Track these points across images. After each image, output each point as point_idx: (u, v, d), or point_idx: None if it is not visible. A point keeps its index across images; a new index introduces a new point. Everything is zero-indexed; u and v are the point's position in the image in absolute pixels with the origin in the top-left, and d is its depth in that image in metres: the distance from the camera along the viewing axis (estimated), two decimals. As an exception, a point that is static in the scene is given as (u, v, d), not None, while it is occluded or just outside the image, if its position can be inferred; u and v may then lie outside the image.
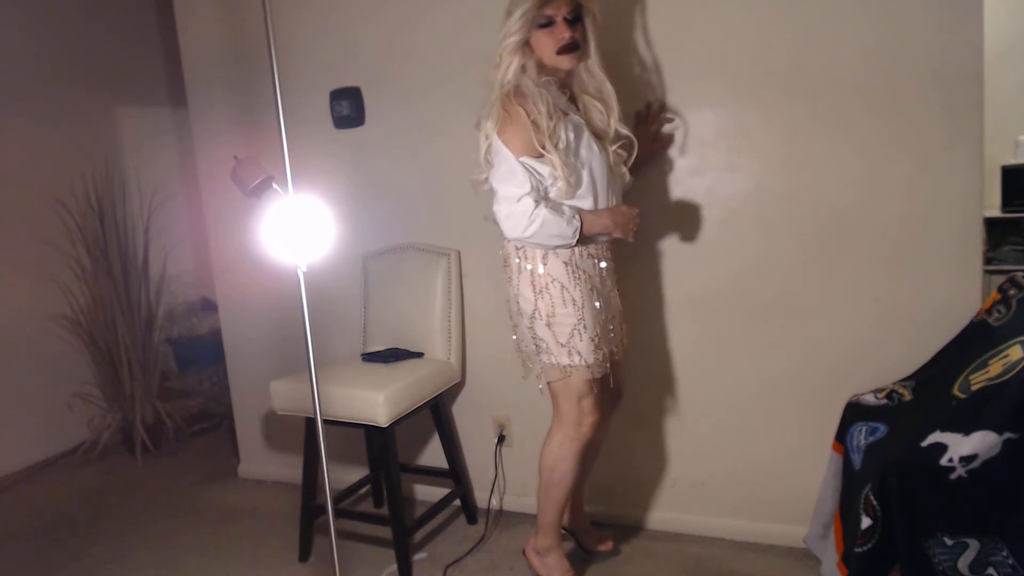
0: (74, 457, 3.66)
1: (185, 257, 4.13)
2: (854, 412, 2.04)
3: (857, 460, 1.87)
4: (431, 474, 2.82)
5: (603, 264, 2.07)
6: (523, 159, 1.91)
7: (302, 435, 2.52)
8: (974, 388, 1.77)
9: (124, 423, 3.68)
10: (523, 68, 1.94)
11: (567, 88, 2.04)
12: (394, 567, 2.39)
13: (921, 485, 1.67)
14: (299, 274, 1.82)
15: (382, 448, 2.46)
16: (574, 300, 1.99)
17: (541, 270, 1.99)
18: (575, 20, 1.92)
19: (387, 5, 2.66)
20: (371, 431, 2.50)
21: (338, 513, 2.55)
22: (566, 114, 1.96)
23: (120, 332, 3.61)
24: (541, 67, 1.96)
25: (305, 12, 2.78)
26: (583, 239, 1.97)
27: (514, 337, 2.15)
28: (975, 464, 1.64)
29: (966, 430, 1.66)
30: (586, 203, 1.98)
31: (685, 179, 2.36)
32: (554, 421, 2.11)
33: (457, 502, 2.74)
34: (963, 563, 1.65)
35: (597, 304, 2.03)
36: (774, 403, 2.36)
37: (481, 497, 2.76)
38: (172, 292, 3.99)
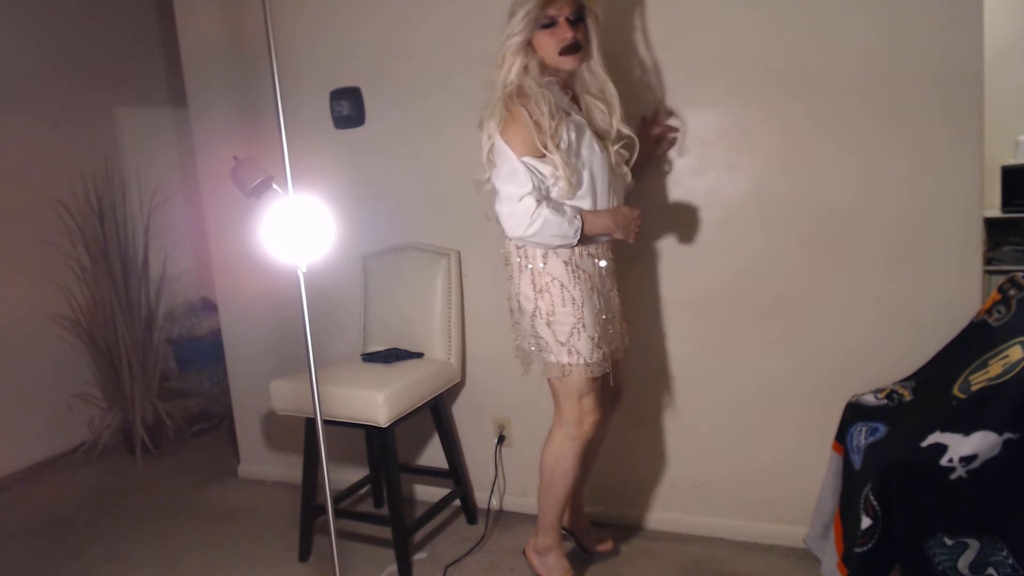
0: (74, 457, 3.66)
1: (185, 257, 4.13)
2: (854, 412, 2.04)
3: (857, 460, 1.87)
4: (431, 474, 2.82)
5: (603, 264, 2.07)
6: (525, 159, 1.92)
7: (302, 435, 2.52)
8: (974, 388, 1.77)
9: (124, 423, 3.68)
10: (526, 68, 1.94)
11: (569, 88, 2.04)
12: (394, 567, 2.39)
13: (921, 485, 1.67)
14: (299, 274, 1.82)
15: (382, 448, 2.46)
16: (574, 299, 1.99)
17: (541, 269, 2.00)
18: (577, 21, 1.92)
19: (387, 5, 2.66)
20: (371, 431, 2.50)
21: (338, 513, 2.55)
22: (568, 114, 1.97)
23: (120, 332, 3.62)
24: (543, 67, 1.97)
25: (305, 12, 2.78)
26: (584, 239, 1.98)
27: (514, 334, 2.16)
28: (975, 464, 1.64)
29: (966, 430, 1.66)
30: (585, 203, 1.98)
31: (685, 179, 2.36)
32: (555, 420, 2.11)
33: (457, 502, 2.74)
34: (963, 563, 1.65)
35: (597, 304, 2.03)
36: (774, 403, 2.36)
37: (481, 497, 2.76)
38: (172, 292, 3.99)
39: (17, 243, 3.53)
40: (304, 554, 2.56)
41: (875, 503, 1.70)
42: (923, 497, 1.67)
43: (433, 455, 2.86)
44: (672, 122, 2.33)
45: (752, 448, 2.40)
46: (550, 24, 1.91)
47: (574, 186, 1.94)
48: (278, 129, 1.78)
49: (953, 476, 1.65)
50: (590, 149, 1.97)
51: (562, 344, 2.01)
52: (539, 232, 1.93)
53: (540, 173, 1.94)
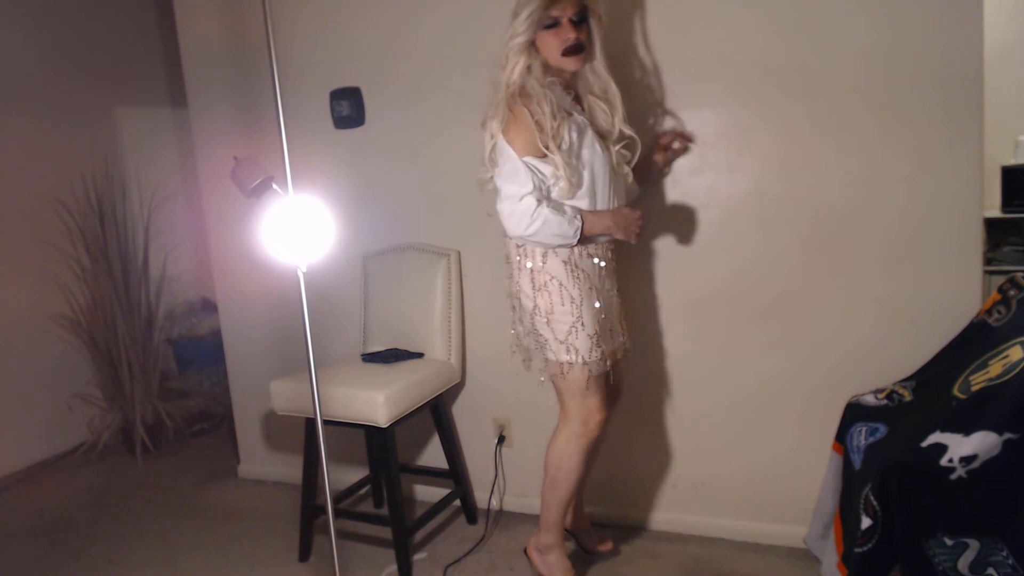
0: (74, 457, 3.66)
1: (185, 257, 4.13)
2: (854, 412, 2.04)
3: (857, 460, 1.87)
4: (431, 474, 2.82)
5: (603, 264, 2.08)
6: (526, 159, 1.93)
7: (302, 435, 2.52)
8: (974, 388, 1.77)
9: (124, 423, 3.68)
10: (529, 69, 1.96)
11: (572, 88, 2.05)
12: (394, 567, 2.39)
13: (921, 485, 1.67)
14: (299, 274, 1.82)
15: (382, 448, 2.46)
16: (572, 298, 2.00)
17: (540, 267, 2.01)
18: (580, 21, 1.93)
19: (387, 5, 2.66)
20: (371, 431, 2.50)
21: (338, 513, 2.55)
22: (570, 114, 1.98)
23: (120, 332, 3.61)
24: (546, 68, 1.98)
25: (305, 12, 2.78)
26: (584, 239, 1.99)
27: (513, 332, 2.17)
28: (975, 464, 1.64)
29: (966, 430, 1.66)
30: (583, 203, 1.99)
31: (685, 179, 2.36)
32: (561, 418, 2.12)
33: (457, 502, 2.74)
34: (963, 563, 1.65)
35: (596, 303, 2.03)
36: (774, 403, 2.36)
37: (481, 497, 2.76)
38: (172, 292, 3.99)
39: (17, 243, 3.53)
40: (304, 554, 2.56)
41: (875, 503, 1.70)
42: (923, 497, 1.67)
43: (433, 455, 2.86)
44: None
45: (752, 448, 2.40)
46: (553, 25, 1.92)
47: (574, 186, 1.95)
48: (278, 129, 1.78)
49: (953, 476, 1.65)
50: (591, 150, 1.98)
51: (561, 342, 2.02)
52: (539, 231, 1.93)
53: (541, 173, 1.95)
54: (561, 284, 2.00)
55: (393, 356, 2.62)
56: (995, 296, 1.95)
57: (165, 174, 4.11)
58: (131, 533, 2.85)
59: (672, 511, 2.55)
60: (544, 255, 2.01)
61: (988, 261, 3.58)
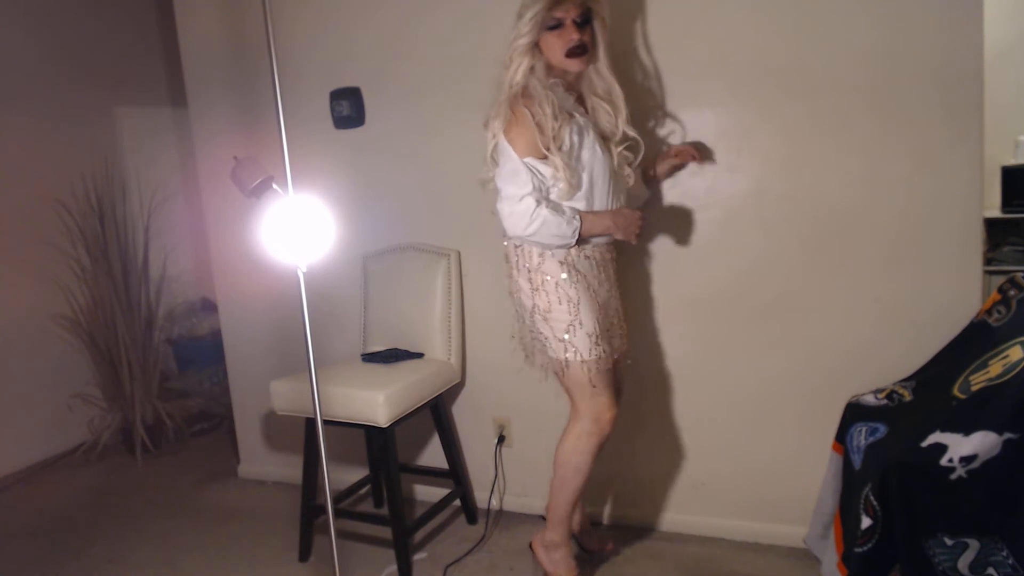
0: (74, 457, 3.66)
1: (185, 257, 4.13)
2: (854, 412, 2.04)
3: (857, 460, 1.87)
4: (431, 474, 2.82)
5: (601, 264, 2.09)
6: (527, 159, 1.95)
7: (302, 435, 2.52)
8: (974, 388, 1.77)
9: (124, 423, 3.68)
10: (532, 69, 1.97)
11: (576, 89, 2.06)
12: (394, 567, 2.39)
13: (921, 485, 1.67)
14: (299, 274, 1.82)
15: (382, 448, 2.46)
16: (569, 297, 2.01)
17: (537, 267, 2.03)
18: (584, 23, 1.94)
19: (387, 5, 2.66)
20: (371, 431, 2.50)
21: (338, 513, 2.55)
22: (572, 116, 1.99)
23: (120, 332, 3.61)
24: (550, 69, 1.99)
25: (305, 12, 2.78)
26: (583, 240, 2.00)
27: (516, 328, 2.18)
28: (975, 464, 1.64)
29: (966, 430, 1.66)
30: (581, 205, 2.01)
31: (685, 180, 2.36)
32: (572, 415, 2.12)
33: (457, 502, 2.74)
34: (963, 563, 1.65)
35: (594, 302, 2.04)
36: (774, 403, 2.36)
37: (481, 497, 2.76)
38: (172, 292, 3.99)
39: (17, 243, 3.53)
40: (304, 554, 2.56)
41: (875, 503, 1.70)
42: (923, 497, 1.67)
43: (433, 455, 2.86)
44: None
45: (752, 448, 2.40)
46: (557, 26, 1.93)
47: (573, 187, 1.96)
48: (278, 129, 1.78)
49: (953, 476, 1.65)
50: (591, 152, 1.99)
51: (560, 340, 2.03)
52: (538, 232, 1.95)
53: (541, 174, 1.97)
54: (558, 284, 2.01)
55: (393, 356, 2.62)
56: (995, 296, 1.95)
57: (165, 174, 4.11)
58: (131, 533, 2.85)
59: (672, 511, 2.55)
60: (541, 255, 2.02)
61: (988, 261, 3.58)
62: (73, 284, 3.69)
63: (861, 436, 1.91)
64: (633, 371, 2.42)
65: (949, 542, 1.66)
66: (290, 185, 1.80)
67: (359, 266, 2.82)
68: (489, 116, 2.02)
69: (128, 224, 3.75)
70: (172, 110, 4.18)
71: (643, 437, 2.54)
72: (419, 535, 2.62)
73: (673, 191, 2.38)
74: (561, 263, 2.01)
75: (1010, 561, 1.61)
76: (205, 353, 3.98)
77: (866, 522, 1.72)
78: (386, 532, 2.43)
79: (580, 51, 1.95)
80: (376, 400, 2.30)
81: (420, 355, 2.66)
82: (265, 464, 3.27)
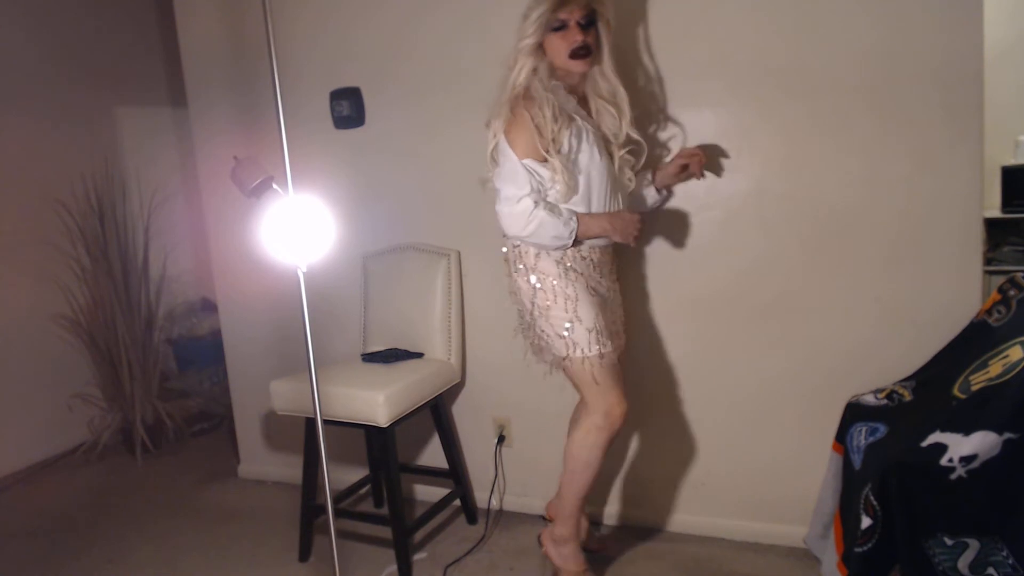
0: (74, 457, 3.66)
1: (185, 257, 4.13)
2: (854, 412, 2.04)
3: (857, 460, 1.87)
4: (431, 474, 2.82)
5: (599, 264, 2.10)
6: (526, 161, 1.97)
7: (302, 435, 2.52)
8: (974, 388, 1.77)
9: (124, 423, 3.68)
10: (535, 71, 1.98)
11: (580, 91, 2.08)
12: (394, 567, 2.39)
13: (921, 485, 1.67)
14: (299, 274, 1.82)
15: (382, 448, 2.46)
16: (567, 295, 2.03)
17: (534, 266, 2.05)
18: (588, 25, 1.95)
19: (387, 5, 2.66)
20: (371, 431, 2.50)
21: (338, 513, 2.55)
22: (572, 119, 2.00)
23: (120, 332, 3.61)
24: (554, 70, 2.00)
25: (305, 12, 2.78)
26: (580, 241, 2.03)
27: (519, 324, 2.20)
28: (975, 464, 1.64)
29: (966, 430, 1.66)
30: (579, 208, 2.02)
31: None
32: (583, 410, 2.13)
33: (457, 502, 2.74)
34: (963, 563, 1.65)
35: (593, 299, 2.05)
36: (774, 403, 2.36)
37: (481, 497, 2.76)
38: (172, 292, 3.99)
39: (17, 243, 3.53)
40: (304, 554, 2.56)
41: (875, 503, 1.70)
42: (923, 497, 1.67)
43: (433, 455, 2.86)
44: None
45: (752, 448, 2.40)
46: (561, 27, 1.94)
47: (571, 190, 1.98)
48: (278, 129, 1.78)
49: (953, 476, 1.65)
50: (589, 155, 2.00)
51: (561, 337, 2.04)
52: (535, 233, 1.98)
53: (539, 175, 1.99)
54: (555, 283, 2.03)
55: (393, 356, 2.62)
56: (995, 296, 1.95)
57: (165, 174, 4.11)
58: (131, 533, 2.85)
59: (672, 511, 2.55)
60: (537, 255, 2.05)
61: (988, 261, 3.58)
62: (73, 284, 3.69)
63: (861, 436, 1.91)
64: (632, 371, 2.42)
65: (949, 542, 1.66)
66: (290, 185, 1.80)
67: (359, 266, 2.82)
68: (491, 116, 2.03)
69: (128, 224, 3.75)
70: (172, 110, 4.18)
71: (642, 437, 2.54)
72: (419, 535, 2.62)
73: (673, 191, 2.38)
74: (558, 263, 2.03)
75: (1010, 561, 1.61)
76: (205, 353, 3.98)
77: (866, 522, 1.72)
78: (386, 532, 2.43)
79: (584, 52, 1.95)
80: (376, 400, 2.30)
81: (420, 355, 2.66)
82: (265, 464, 3.27)
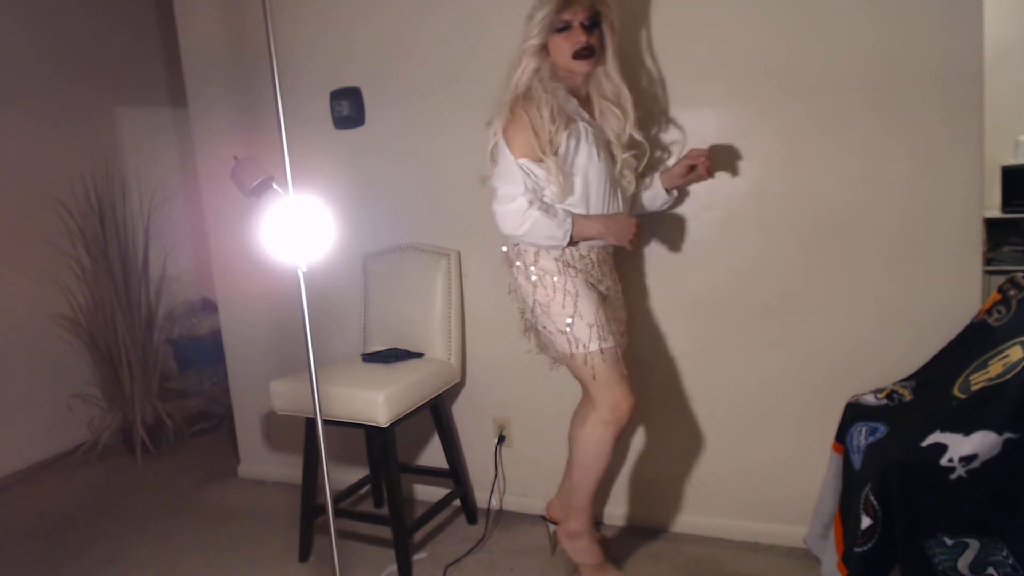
0: (74, 457, 3.65)
1: (185, 257, 4.13)
2: (854, 412, 2.04)
3: (857, 460, 1.87)
4: (431, 474, 2.82)
5: (599, 263, 2.11)
6: (521, 161, 1.98)
7: (302, 435, 2.52)
8: (974, 388, 1.77)
9: (124, 423, 3.68)
10: (538, 71, 1.99)
11: (583, 92, 2.08)
12: (394, 567, 2.39)
13: (921, 485, 1.67)
14: (299, 274, 1.82)
15: (382, 448, 2.46)
16: (567, 292, 2.04)
17: (533, 264, 2.06)
18: (592, 26, 1.96)
19: (387, 5, 2.66)
20: (371, 431, 2.50)
21: (338, 513, 2.55)
22: (572, 120, 2.00)
23: (120, 332, 3.61)
24: (557, 71, 2.01)
25: (305, 12, 2.78)
26: (575, 242, 2.04)
27: (521, 321, 2.21)
28: (975, 464, 1.64)
29: (966, 430, 1.66)
30: (577, 210, 2.03)
31: (685, 179, 2.36)
32: (589, 405, 2.13)
33: (457, 502, 2.74)
34: (963, 563, 1.65)
35: (593, 296, 2.06)
36: (774, 403, 2.36)
37: (481, 497, 2.76)
38: (172, 292, 3.99)
39: (17, 243, 3.53)
40: (304, 554, 2.56)
41: (875, 503, 1.70)
42: (923, 497, 1.67)
43: (433, 455, 2.86)
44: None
45: (752, 448, 2.40)
46: (565, 28, 1.95)
47: (565, 191, 1.99)
48: (278, 129, 1.78)
49: (953, 476, 1.65)
50: (587, 157, 2.01)
51: (563, 333, 2.05)
52: (529, 232, 2.00)
53: (535, 175, 2.00)
54: (555, 279, 2.04)
55: (393, 356, 2.62)
56: (995, 296, 1.95)
57: (165, 174, 4.11)
58: (131, 533, 2.85)
59: (672, 511, 2.55)
60: (537, 252, 2.06)
61: (988, 261, 3.57)
62: (73, 284, 3.69)
63: (861, 436, 1.91)
64: (632, 371, 2.40)
65: (949, 542, 1.66)
66: (290, 185, 1.80)
67: (359, 266, 2.82)
68: (493, 115, 2.05)
69: (128, 224, 3.75)
70: (172, 110, 4.18)
71: (642, 437, 2.54)
72: (419, 535, 2.62)
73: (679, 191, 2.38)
74: (556, 260, 2.05)
75: (1010, 561, 1.61)
76: (205, 353, 3.98)
77: (866, 522, 1.72)
78: (386, 532, 2.43)
79: (587, 53, 1.96)
80: (376, 400, 2.30)
81: (420, 355, 2.66)
82: (265, 464, 3.27)
